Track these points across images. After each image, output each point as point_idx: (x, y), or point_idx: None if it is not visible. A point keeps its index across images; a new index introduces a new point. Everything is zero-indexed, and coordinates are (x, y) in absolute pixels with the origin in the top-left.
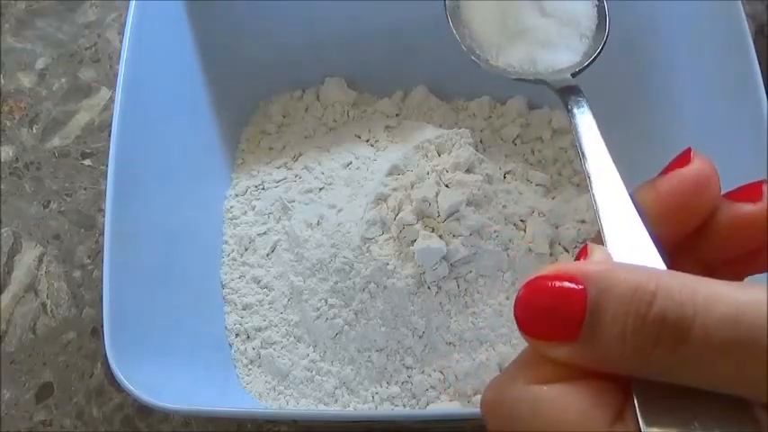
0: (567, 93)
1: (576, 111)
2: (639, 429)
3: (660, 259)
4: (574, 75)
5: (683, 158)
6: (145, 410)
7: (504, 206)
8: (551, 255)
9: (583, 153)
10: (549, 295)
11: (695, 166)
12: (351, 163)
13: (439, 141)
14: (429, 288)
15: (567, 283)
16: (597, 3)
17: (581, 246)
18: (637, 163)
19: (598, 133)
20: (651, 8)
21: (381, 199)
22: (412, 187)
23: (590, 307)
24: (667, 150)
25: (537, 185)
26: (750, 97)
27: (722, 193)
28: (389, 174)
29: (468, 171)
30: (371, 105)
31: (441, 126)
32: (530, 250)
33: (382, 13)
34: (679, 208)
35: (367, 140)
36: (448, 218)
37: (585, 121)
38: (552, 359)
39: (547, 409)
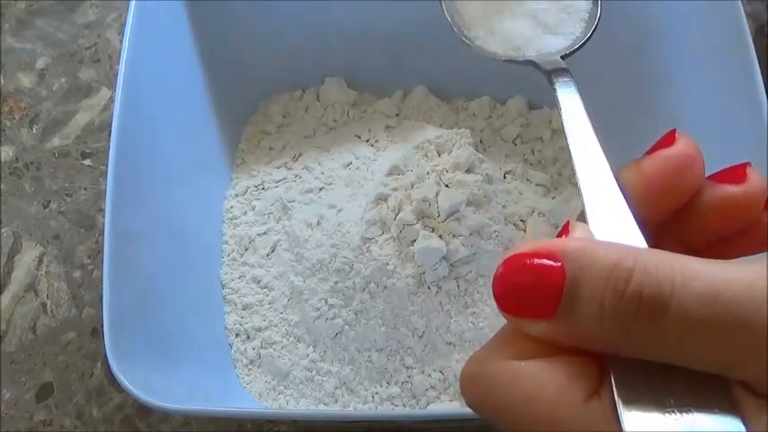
0: (556, 74)
1: (561, 90)
2: (615, 405)
3: (642, 239)
4: (564, 58)
5: (668, 139)
6: (145, 410)
7: (504, 206)
8: None
9: (566, 131)
10: (527, 272)
11: (679, 146)
12: (351, 163)
13: (439, 141)
14: (429, 288)
15: (545, 260)
16: None
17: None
18: None
19: (584, 112)
20: (651, 8)
21: (381, 199)
22: (412, 187)
23: (568, 284)
24: None
25: (537, 185)
26: (750, 97)
27: (706, 175)
28: (389, 174)
29: (468, 171)
30: (371, 105)
31: (441, 126)
32: None
33: (382, 14)
34: (662, 188)
35: (367, 140)
36: (448, 218)
37: (570, 100)
38: (531, 335)
39: (524, 384)
